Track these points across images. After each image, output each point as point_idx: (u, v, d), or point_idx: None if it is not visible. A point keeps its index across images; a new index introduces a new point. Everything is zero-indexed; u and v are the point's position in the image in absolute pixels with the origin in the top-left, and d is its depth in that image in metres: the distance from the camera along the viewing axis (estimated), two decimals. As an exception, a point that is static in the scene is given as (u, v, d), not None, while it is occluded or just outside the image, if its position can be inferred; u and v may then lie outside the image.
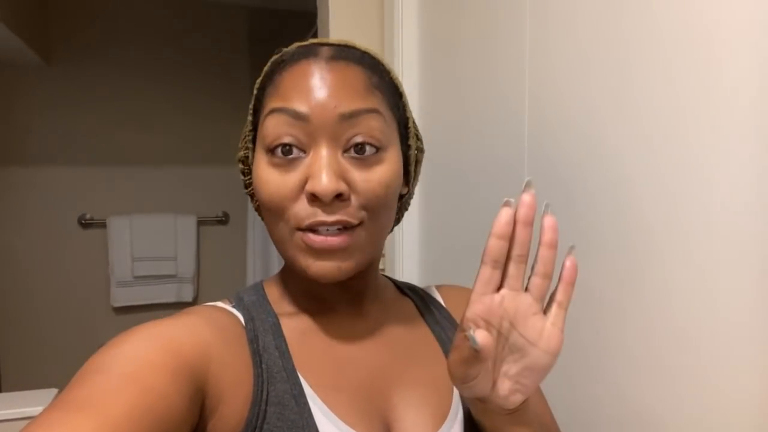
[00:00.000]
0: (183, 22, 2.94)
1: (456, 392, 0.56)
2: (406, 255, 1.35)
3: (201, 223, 3.04)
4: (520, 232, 0.44)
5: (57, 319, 2.85)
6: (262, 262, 2.74)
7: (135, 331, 0.44)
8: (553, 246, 0.46)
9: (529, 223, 0.45)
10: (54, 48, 2.76)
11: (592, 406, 0.72)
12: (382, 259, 1.45)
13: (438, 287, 0.68)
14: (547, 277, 0.46)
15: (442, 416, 0.54)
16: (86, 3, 2.79)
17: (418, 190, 1.33)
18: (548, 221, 0.46)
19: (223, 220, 3.10)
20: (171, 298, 2.98)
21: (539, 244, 0.46)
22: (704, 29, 0.56)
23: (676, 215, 0.60)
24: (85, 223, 2.87)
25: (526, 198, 0.44)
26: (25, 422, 1.53)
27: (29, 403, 1.67)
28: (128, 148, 2.90)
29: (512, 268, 0.45)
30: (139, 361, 0.39)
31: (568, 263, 0.47)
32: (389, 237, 1.36)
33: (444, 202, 1.20)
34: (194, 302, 3.03)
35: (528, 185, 0.45)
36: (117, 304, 2.90)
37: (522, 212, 0.44)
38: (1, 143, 2.71)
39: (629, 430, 0.66)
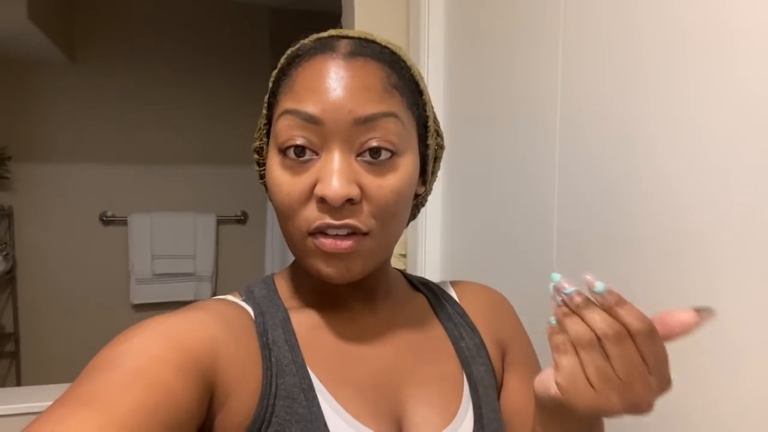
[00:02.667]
0: (206, 21, 2.96)
1: (466, 389, 0.55)
2: (429, 249, 1.33)
3: (220, 222, 3.05)
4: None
5: (77, 314, 2.88)
6: (280, 261, 2.74)
7: (143, 326, 0.43)
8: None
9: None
10: (79, 46, 2.79)
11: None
12: (403, 259, 1.43)
13: (453, 283, 0.67)
14: None
15: (452, 413, 0.53)
16: (112, 2, 2.82)
17: (441, 184, 1.31)
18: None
19: (242, 219, 3.11)
20: (189, 296, 3.00)
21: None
22: (740, 26, 0.53)
23: (713, 213, 0.57)
24: (106, 220, 2.91)
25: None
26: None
27: (47, 398, 1.68)
28: (150, 146, 2.92)
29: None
30: (146, 357, 0.39)
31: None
32: (412, 230, 1.37)
33: (468, 197, 1.18)
34: (212, 301, 3.04)
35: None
36: (136, 301, 2.93)
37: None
38: (25, 140, 2.75)
39: (669, 422, 0.64)
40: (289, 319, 0.52)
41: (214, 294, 3.08)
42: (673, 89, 0.63)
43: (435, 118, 0.57)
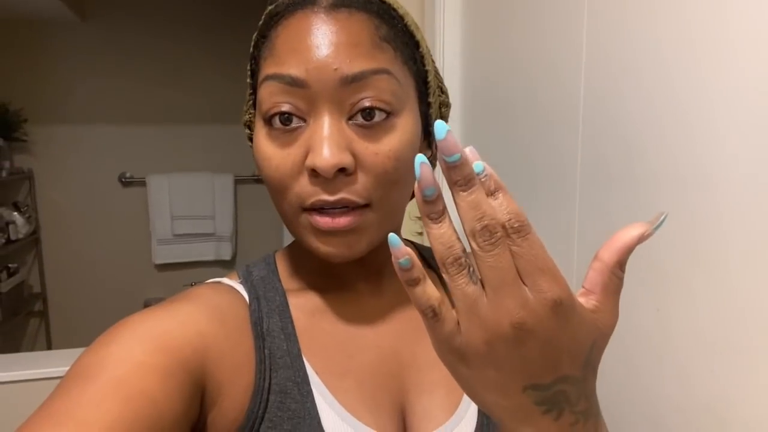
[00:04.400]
0: (216, -26, 2.86)
1: None
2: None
3: (238, 181, 3.04)
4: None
5: (102, 274, 2.94)
6: (298, 221, 2.74)
7: (125, 327, 0.40)
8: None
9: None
10: (88, 3, 2.73)
11: (655, 394, 0.66)
12: (419, 221, 1.40)
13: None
14: None
15: (455, 402, 0.50)
16: (119, -44, 2.74)
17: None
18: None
19: (260, 178, 3.09)
20: (210, 256, 3.02)
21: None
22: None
23: (749, 185, 0.52)
24: (125, 182, 2.91)
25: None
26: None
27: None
28: (165, 106, 2.89)
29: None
30: (127, 364, 0.37)
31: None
32: None
33: (489, 163, 1.13)
34: (233, 260, 3.07)
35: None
36: (159, 261, 2.97)
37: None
38: (40, 102, 2.74)
39: (697, 422, 0.60)
40: (287, 303, 0.49)
41: (235, 253, 3.10)
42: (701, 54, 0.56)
43: (437, 73, 0.51)
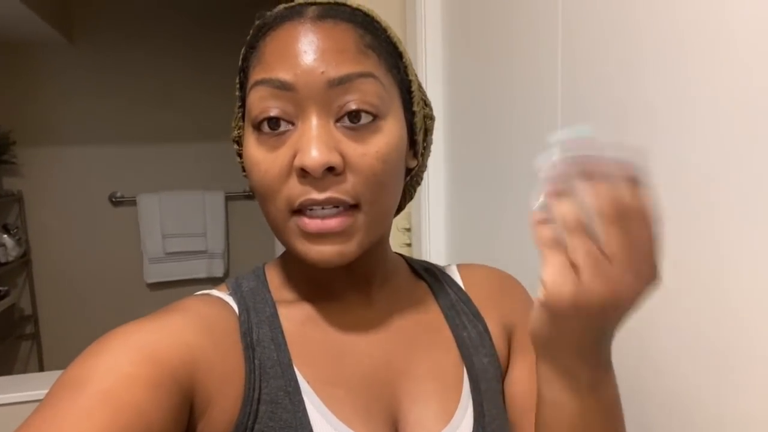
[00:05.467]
0: (203, -6, 2.89)
1: (466, 384, 0.52)
2: (433, 229, 1.31)
3: (229, 198, 3.05)
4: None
5: (94, 295, 2.92)
6: (290, 236, 2.74)
7: (113, 338, 0.41)
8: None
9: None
10: (76, 26, 2.75)
11: (635, 397, 0.68)
12: (407, 233, 1.41)
13: (459, 266, 0.63)
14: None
15: (449, 412, 0.50)
16: (106, -21, 2.76)
17: (444, 165, 1.28)
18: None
19: (251, 194, 3.08)
20: (202, 274, 3.02)
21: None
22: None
23: (734, 192, 0.54)
24: (115, 201, 2.91)
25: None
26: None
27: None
28: (154, 125, 2.90)
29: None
30: (115, 375, 0.37)
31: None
32: (416, 211, 1.35)
33: (472, 172, 1.15)
34: (225, 277, 3.06)
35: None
36: (150, 280, 2.96)
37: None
38: (29, 124, 2.74)
39: (679, 427, 0.62)
40: (276, 314, 0.50)
41: (227, 271, 3.09)
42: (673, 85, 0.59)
43: (420, 85, 0.53)
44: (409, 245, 1.37)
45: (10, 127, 2.67)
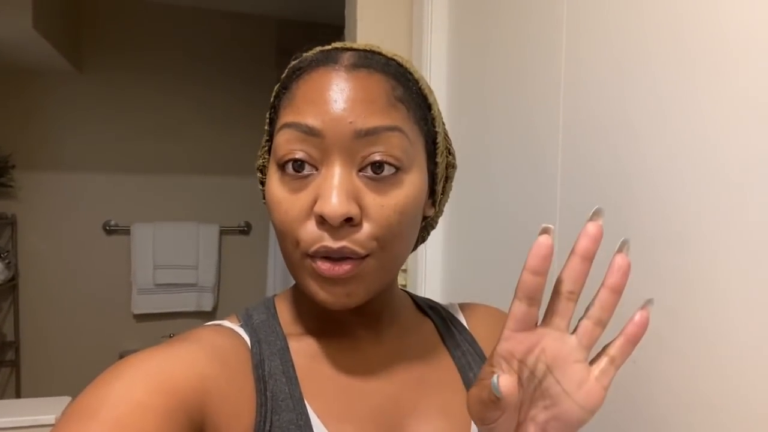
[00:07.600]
0: (212, 32, 2.97)
1: (473, 424, 0.52)
2: (429, 269, 1.31)
3: (223, 232, 3.04)
4: (576, 266, 0.39)
5: (78, 324, 2.87)
6: (282, 273, 2.73)
7: (126, 366, 0.41)
8: (619, 291, 0.39)
9: (589, 258, 0.39)
10: (85, 56, 2.81)
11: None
12: (403, 274, 1.41)
13: (461, 306, 0.64)
14: (602, 324, 0.40)
15: None
16: (118, 13, 2.84)
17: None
18: (620, 261, 0.39)
19: (245, 230, 3.10)
20: (191, 307, 2.98)
21: (602, 285, 0.40)
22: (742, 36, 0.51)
23: (724, 233, 0.55)
24: (109, 230, 2.90)
25: (592, 229, 0.38)
26: (41, 429, 1.53)
27: (45, 411, 1.66)
28: (154, 156, 2.93)
29: (560, 305, 0.39)
30: (128, 404, 0.37)
31: (637, 318, 0.40)
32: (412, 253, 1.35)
33: (470, 213, 1.16)
34: (214, 312, 3.03)
35: (596, 214, 0.38)
36: (138, 311, 2.91)
37: (583, 245, 0.38)
38: (30, 149, 2.76)
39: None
40: (287, 348, 0.50)
41: (216, 305, 3.06)
42: (678, 97, 0.61)
43: (446, 134, 0.54)
44: (404, 287, 1.37)
45: (10, 150, 2.69)
